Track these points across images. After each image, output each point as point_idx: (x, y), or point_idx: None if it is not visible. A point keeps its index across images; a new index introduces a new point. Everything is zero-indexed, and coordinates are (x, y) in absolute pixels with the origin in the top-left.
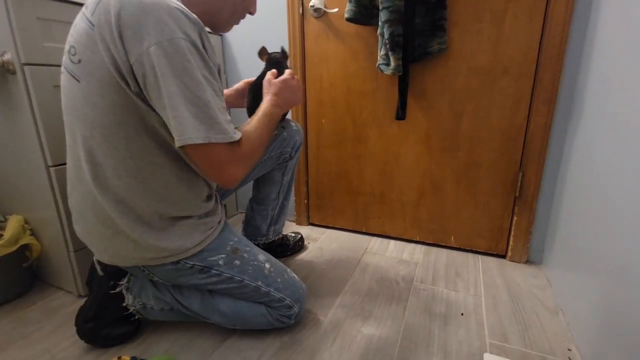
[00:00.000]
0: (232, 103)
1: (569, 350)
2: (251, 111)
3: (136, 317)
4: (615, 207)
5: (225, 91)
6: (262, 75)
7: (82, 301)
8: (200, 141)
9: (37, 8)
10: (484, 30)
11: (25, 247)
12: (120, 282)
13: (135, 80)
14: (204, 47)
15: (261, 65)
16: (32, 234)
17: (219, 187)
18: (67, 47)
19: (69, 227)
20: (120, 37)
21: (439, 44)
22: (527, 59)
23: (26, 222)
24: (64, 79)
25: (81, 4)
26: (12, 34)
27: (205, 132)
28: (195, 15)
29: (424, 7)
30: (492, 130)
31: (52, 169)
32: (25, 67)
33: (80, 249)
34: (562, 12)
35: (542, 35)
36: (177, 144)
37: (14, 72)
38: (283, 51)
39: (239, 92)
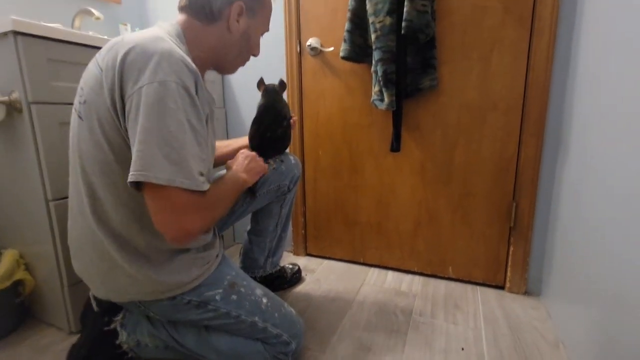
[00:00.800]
0: (225, 157)
1: None
2: (253, 143)
3: (129, 355)
4: (606, 236)
5: (224, 142)
6: (262, 106)
7: (74, 338)
8: (162, 182)
9: (48, 50)
10: (473, 68)
11: (19, 283)
12: (115, 318)
13: (125, 116)
14: (197, 94)
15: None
16: (26, 269)
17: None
18: (78, 89)
19: (65, 262)
20: (121, 79)
21: (430, 81)
22: (514, 95)
23: (21, 256)
24: (72, 118)
25: (89, 46)
26: (21, 74)
27: (172, 173)
28: (194, 66)
29: (414, 47)
30: (485, 161)
31: (51, 203)
32: (32, 106)
33: (75, 283)
34: (544, 52)
35: (527, 73)
36: (133, 178)
37: (20, 110)
38: (281, 83)
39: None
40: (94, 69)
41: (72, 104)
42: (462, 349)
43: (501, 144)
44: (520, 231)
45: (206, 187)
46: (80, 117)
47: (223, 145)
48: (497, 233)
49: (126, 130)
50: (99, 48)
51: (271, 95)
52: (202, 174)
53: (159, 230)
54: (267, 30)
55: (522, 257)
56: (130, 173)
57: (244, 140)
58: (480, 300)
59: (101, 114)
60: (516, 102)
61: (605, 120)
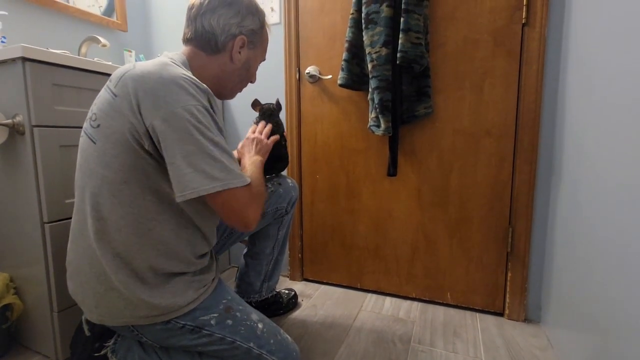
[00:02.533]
0: None
1: None
2: None
3: None
4: (601, 262)
5: None
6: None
7: None
8: (219, 189)
9: (53, 75)
10: (466, 96)
11: (7, 307)
12: (106, 344)
13: (151, 139)
14: (213, 110)
15: None
16: (15, 293)
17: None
18: (89, 114)
19: (56, 286)
20: (139, 105)
21: (425, 108)
22: (507, 123)
23: (11, 279)
24: (82, 141)
25: (93, 72)
26: (26, 98)
27: (224, 179)
28: (205, 85)
29: (409, 76)
30: (480, 186)
31: (47, 226)
32: (35, 129)
33: (65, 309)
34: (533, 82)
35: (518, 102)
36: (194, 195)
37: (22, 133)
38: (278, 103)
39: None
40: (107, 95)
41: (74, 127)
42: None
43: (496, 169)
44: (518, 256)
45: (249, 180)
46: (92, 141)
47: None
48: (494, 258)
49: (148, 153)
50: (102, 74)
51: (270, 115)
52: (241, 170)
53: (231, 226)
54: (264, 59)
55: (521, 283)
56: (188, 192)
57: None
58: (479, 327)
59: (116, 138)
60: (508, 129)
61: (594, 146)
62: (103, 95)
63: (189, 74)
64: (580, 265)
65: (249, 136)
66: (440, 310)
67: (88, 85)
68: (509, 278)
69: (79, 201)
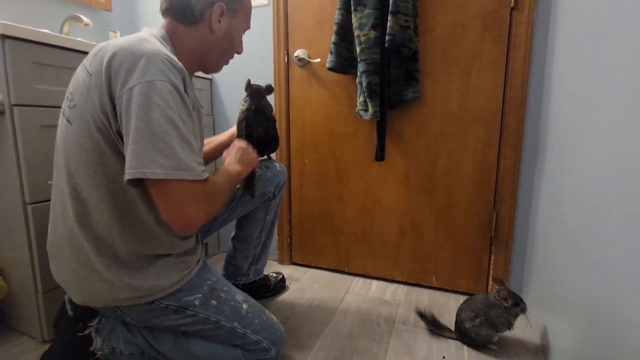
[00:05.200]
0: (207, 154)
1: None
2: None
3: None
4: (581, 245)
5: (205, 140)
6: (250, 109)
7: (46, 347)
8: (161, 176)
9: (34, 53)
10: (454, 81)
11: None
12: (90, 324)
13: (116, 118)
14: (186, 92)
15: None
16: (0, 274)
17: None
18: (67, 94)
19: (40, 267)
20: (109, 82)
21: (413, 93)
22: (493, 108)
23: None
24: (60, 122)
25: (74, 50)
26: (5, 77)
27: (169, 167)
28: (181, 64)
29: (398, 60)
30: (466, 171)
31: (29, 207)
32: (15, 108)
33: (49, 290)
34: (520, 67)
35: (505, 87)
36: (131, 176)
37: (2, 112)
38: (269, 86)
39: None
40: (82, 74)
41: (55, 107)
42: (444, 357)
43: (482, 154)
44: (501, 240)
45: (205, 175)
46: (69, 121)
47: (205, 143)
48: (479, 242)
49: (117, 133)
50: (84, 53)
51: (259, 97)
52: (199, 164)
53: (166, 222)
54: (249, 27)
55: (503, 266)
56: (127, 171)
57: (225, 135)
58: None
59: (90, 118)
60: (495, 114)
61: (577, 132)
62: (79, 74)
63: (168, 49)
64: (560, 249)
65: (239, 145)
66: (425, 293)
67: (70, 65)
68: (492, 261)
69: (58, 182)
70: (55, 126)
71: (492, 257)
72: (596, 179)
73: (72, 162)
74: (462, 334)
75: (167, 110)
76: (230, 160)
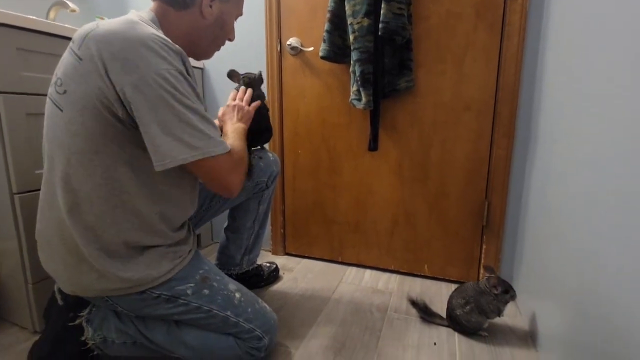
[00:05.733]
0: None
1: None
2: None
3: (95, 352)
4: (569, 234)
5: None
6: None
7: (37, 337)
8: (200, 157)
9: (17, 39)
10: (447, 70)
11: None
12: (81, 314)
13: (123, 106)
14: (188, 73)
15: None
16: None
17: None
18: (54, 78)
19: (29, 258)
20: (106, 69)
21: (406, 82)
22: (486, 97)
23: None
24: (48, 108)
25: (61, 37)
26: None
27: (204, 148)
28: (177, 46)
29: (391, 49)
30: (459, 161)
31: (16, 196)
32: (0, 95)
33: (39, 281)
34: (513, 56)
35: (498, 76)
36: (173, 164)
37: None
38: (259, 76)
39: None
40: (71, 58)
41: (42, 94)
42: (435, 343)
43: (474, 144)
44: (492, 229)
45: (230, 147)
46: (59, 108)
47: None
48: (470, 231)
49: (121, 119)
50: (71, 39)
51: (250, 86)
52: (221, 136)
53: (214, 192)
54: (241, 14)
55: (495, 255)
56: (162, 161)
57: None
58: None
59: (84, 104)
60: (488, 103)
61: (568, 120)
62: (67, 58)
63: (160, 33)
64: (548, 238)
65: (229, 103)
66: (417, 282)
67: (56, 51)
68: (483, 250)
69: (47, 171)
70: (43, 114)
71: (484, 246)
72: (584, 168)
73: (62, 151)
74: (453, 321)
75: (182, 98)
76: (233, 121)
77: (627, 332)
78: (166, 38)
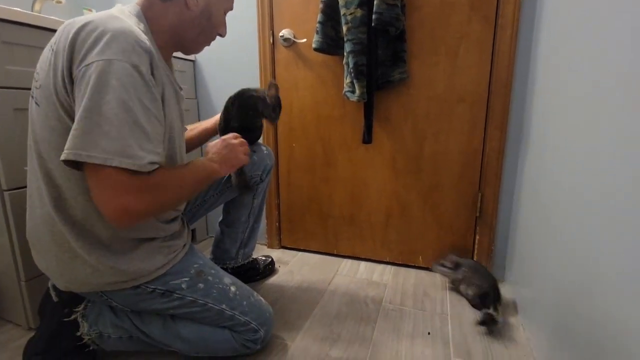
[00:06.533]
0: (191, 140)
1: None
2: (222, 132)
3: (91, 347)
4: (558, 225)
5: (191, 126)
6: (231, 97)
7: (32, 334)
8: (98, 161)
9: (3, 32)
10: (440, 62)
11: None
12: (76, 309)
13: (73, 96)
14: (153, 74)
15: (234, 86)
16: None
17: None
18: (34, 74)
19: (22, 255)
20: (70, 58)
21: (400, 74)
22: (480, 89)
23: None
24: (30, 104)
25: (47, 29)
26: None
27: (109, 152)
28: (148, 45)
29: (385, 40)
30: (452, 153)
31: (6, 193)
32: None
33: (32, 278)
34: (507, 47)
35: (491, 68)
36: (65, 156)
37: None
38: (277, 97)
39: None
40: (47, 52)
41: (28, 89)
42: (429, 333)
43: (468, 136)
44: (486, 221)
45: (151, 167)
46: (37, 103)
47: (190, 129)
48: (464, 223)
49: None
50: (56, 31)
51: (243, 89)
52: (149, 153)
53: (98, 210)
54: (231, 8)
55: (487, 246)
56: (65, 151)
57: (211, 121)
58: (447, 287)
59: (55, 98)
60: (481, 95)
61: (560, 113)
62: (45, 53)
63: (142, 27)
64: (540, 229)
65: (228, 141)
66: (412, 273)
67: (43, 44)
68: (477, 241)
69: (32, 168)
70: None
71: (477, 237)
72: (575, 160)
73: (42, 146)
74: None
75: (121, 93)
76: (212, 156)
77: (615, 322)
78: (140, 35)
